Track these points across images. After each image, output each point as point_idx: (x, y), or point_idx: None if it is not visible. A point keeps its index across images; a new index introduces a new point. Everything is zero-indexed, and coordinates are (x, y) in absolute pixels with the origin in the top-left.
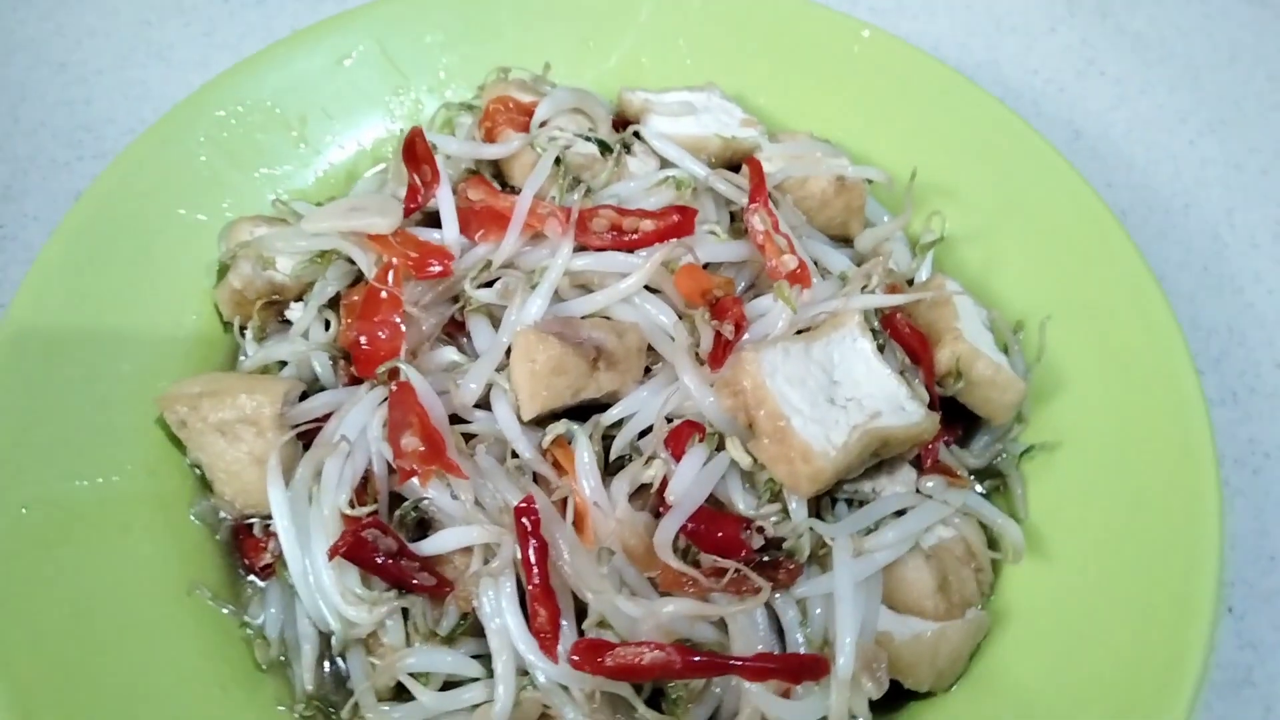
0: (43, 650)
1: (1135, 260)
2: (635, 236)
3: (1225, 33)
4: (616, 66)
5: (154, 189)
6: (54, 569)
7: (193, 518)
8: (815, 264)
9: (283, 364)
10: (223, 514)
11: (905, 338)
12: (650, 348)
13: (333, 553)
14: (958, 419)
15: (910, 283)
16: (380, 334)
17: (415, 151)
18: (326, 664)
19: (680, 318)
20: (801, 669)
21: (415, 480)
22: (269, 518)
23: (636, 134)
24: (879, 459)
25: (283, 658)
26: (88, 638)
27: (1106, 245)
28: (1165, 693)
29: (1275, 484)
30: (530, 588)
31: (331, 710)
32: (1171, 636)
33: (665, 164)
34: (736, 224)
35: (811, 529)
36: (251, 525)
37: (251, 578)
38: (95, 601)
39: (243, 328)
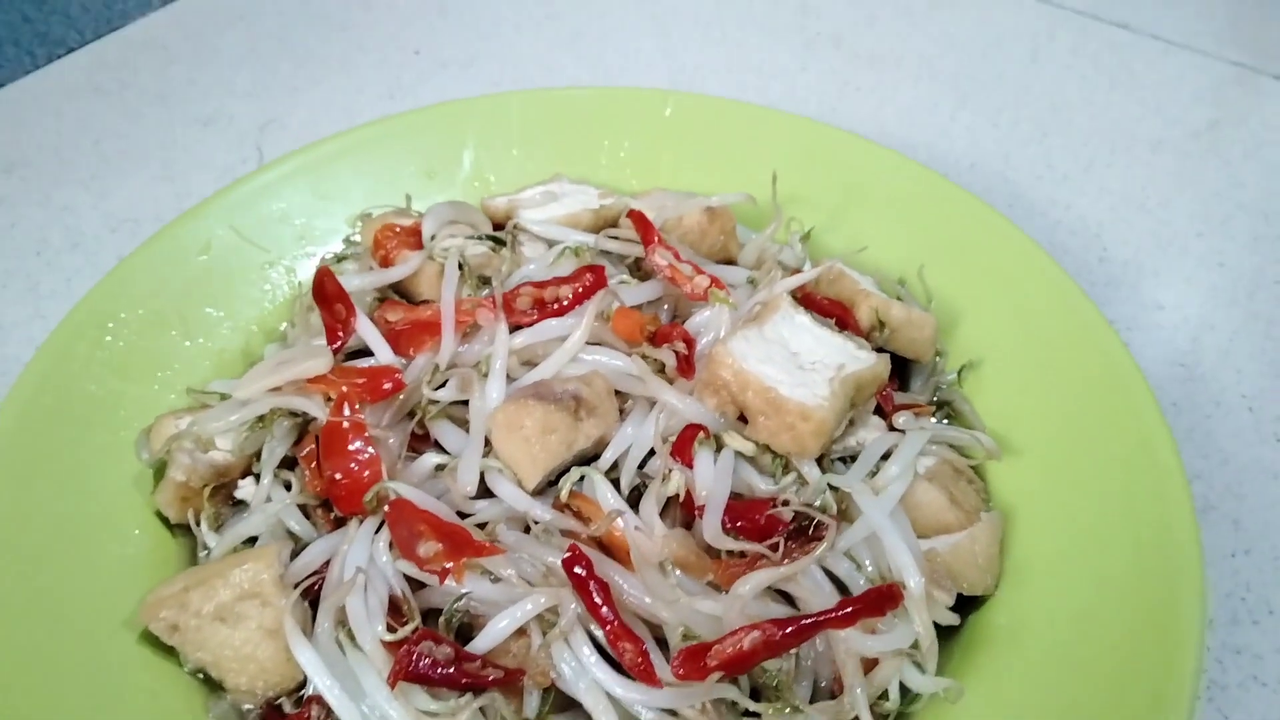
0: None
1: (970, 201)
2: (560, 305)
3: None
4: (464, 187)
5: (52, 423)
6: None
7: None
8: None
9: (252, 541)
10: (246, 706)
11: (826, 308)
12: (618, 392)
13: (394, 679)
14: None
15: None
16: (353, 465)
17: (325, 291)
18: None
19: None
20: (882, 599)
21: (449, 584)
22: (297, 690)
23: (517, 226)
24: (854, 409)
25: None
26: None
27: (945, 200)
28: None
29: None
30: (607, 630)
31: None
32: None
33: (552, 245)
34: (638, 273)
35: (830, 485)
36: (280, 705)
37: None
38: None
39: (196, 522)
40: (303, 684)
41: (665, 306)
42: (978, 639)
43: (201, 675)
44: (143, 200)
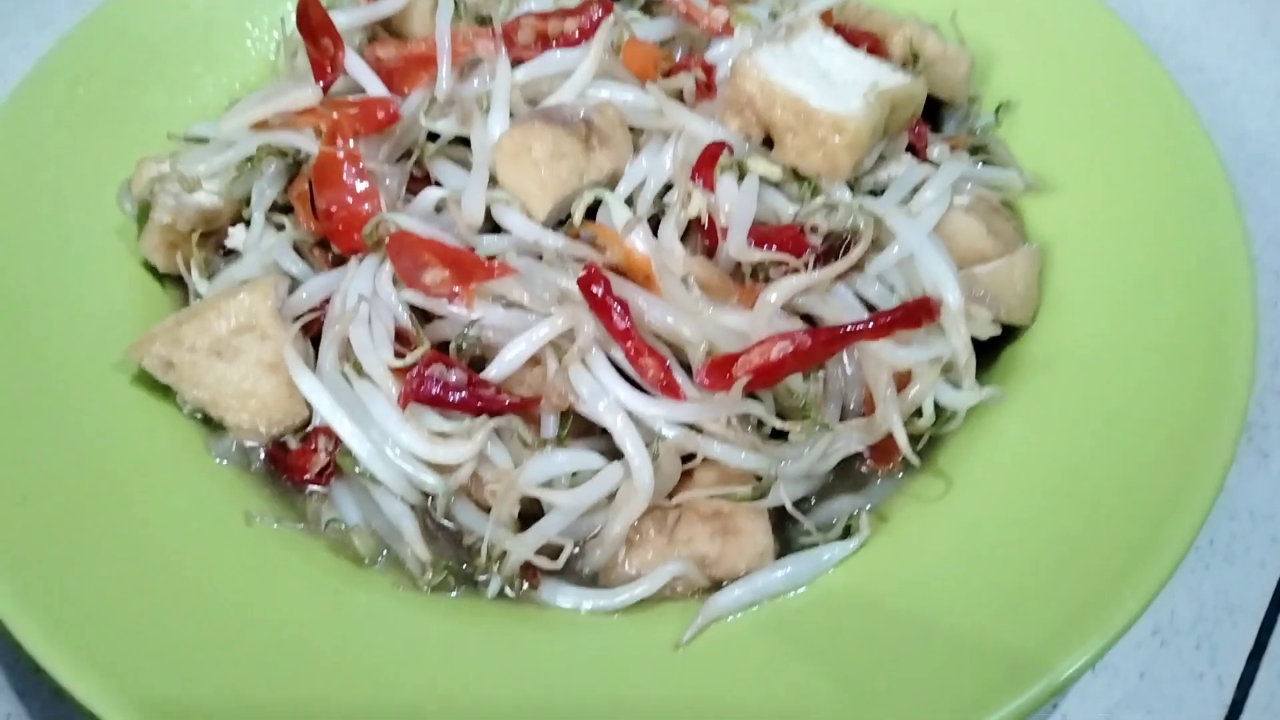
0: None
1: None
2: (565, 38)
3: None
4: None
5: (24, 172)
6: (94, 546)
7: (218, 460)
8: None
9: None
10: (250, 444)
11: (858, 38)
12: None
13: (405, 399)
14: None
15: None
16: (349, 198)
17: (310, 22)
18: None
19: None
20: (919, 311)
21: (458, 310)
22: (303, 427)
23: None
24: (886, 138)
25: (384, 553)
26: (174, 596)
27: None
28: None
29: None
30: (627, 348)
31: (464, 566)
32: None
33: None
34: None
35: (861, 209)
36: (285, 443)
37: (312, 489)
38: (159, 561)
39: (186, 269)
40: (308, 421)
41: (679, 49)
42: (1013, 367)
43: (200, 415)
44: None
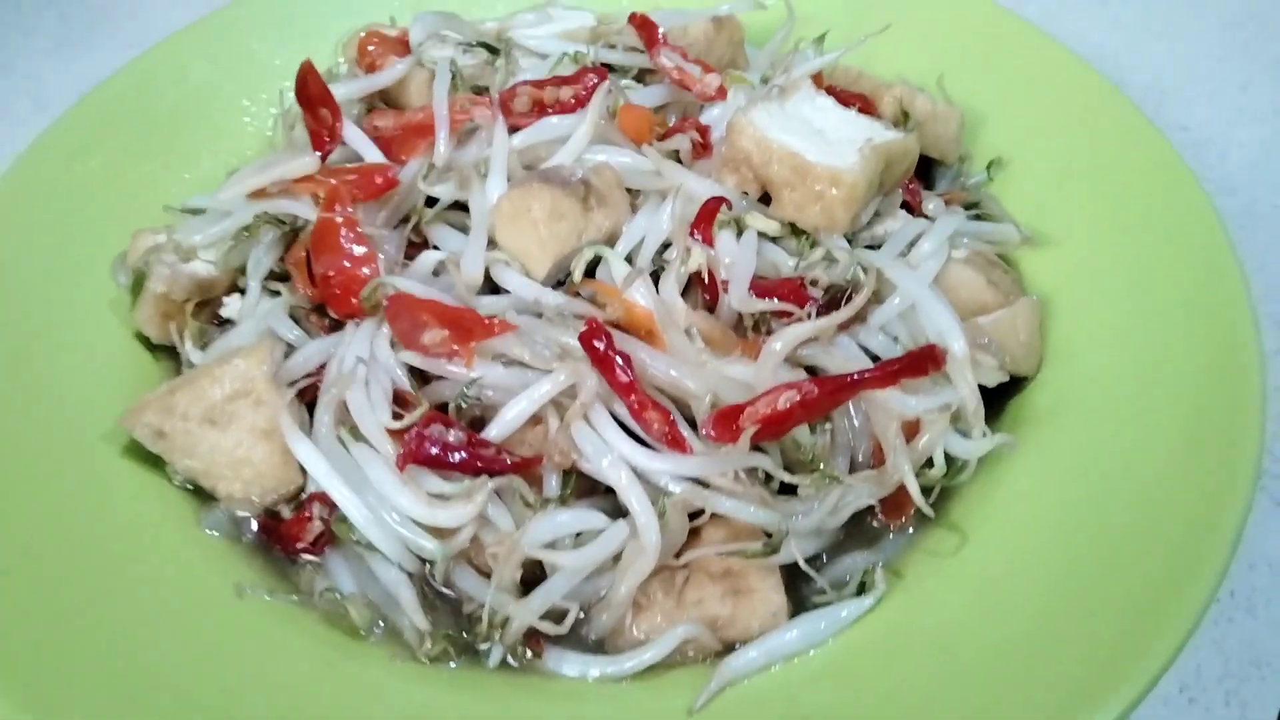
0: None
1: (991, 8)
2: (560, 105)
3: None
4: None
5: (19, 243)
6: (78, 621)
7: (209, 532)
8: None
9: None
10: (241, 514)
11: (849, 99)
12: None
13: (403, 461)
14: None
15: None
16: (347, 262)
17: (309, 92)
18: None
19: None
20: (924, 359)
21: (457, 369)
22: (296, 495)
23: (510, 39)
24: (881, 193)
25: (380, 623)
26: (161, 671)
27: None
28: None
29: None
30: (630, 402)
31: (464, 635)
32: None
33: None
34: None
35: (860, 265)
36: (279, 513)
37: (306, 559)
38: (145, 636)
39: (180, 340)
40: (301, 489)
41: (673, 115)
42: (1021, 419)
43: (191, 486)
44: (109, 68)
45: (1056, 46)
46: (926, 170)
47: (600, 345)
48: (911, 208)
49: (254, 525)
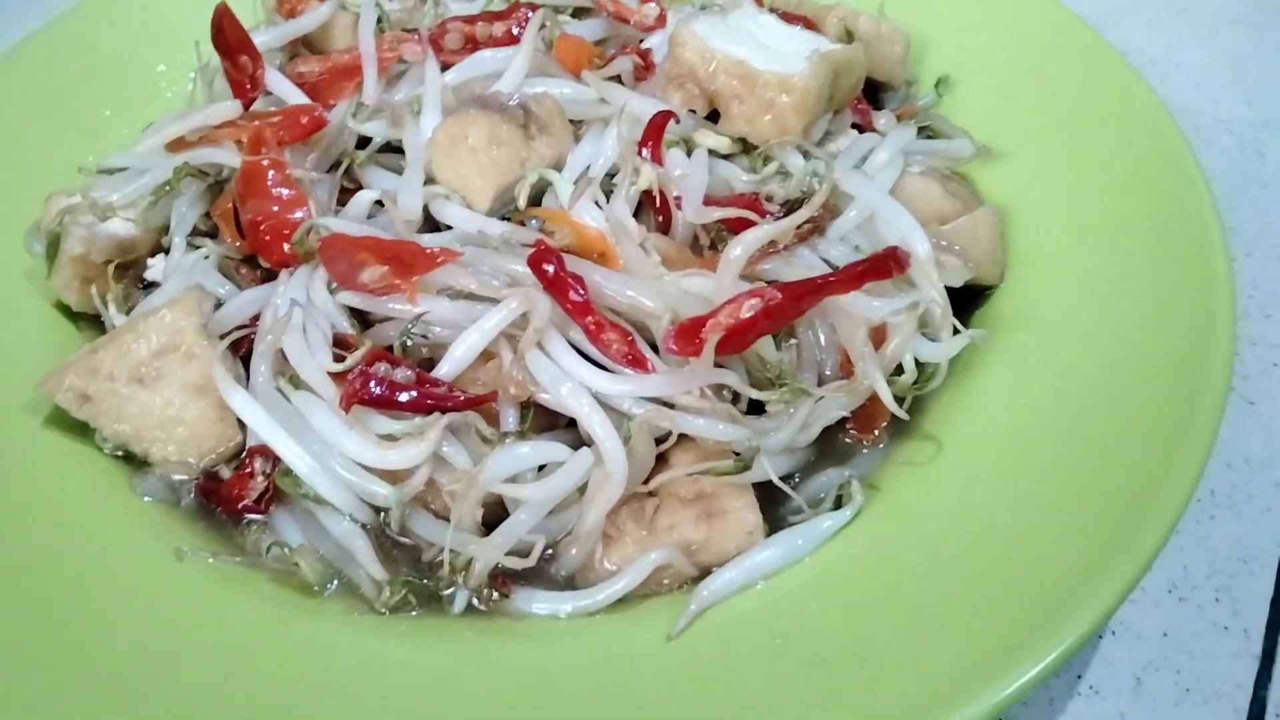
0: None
1: None
2: (493, 39)
3: None
4: None
5: None
6: (19, 593)
7: (145, 499)
8: None
9: None
10: (178, 478)
11: (792, 19)
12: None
13: (346, 402)
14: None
15: None
16: (276, 206)
17: (226, 38)
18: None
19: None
20: (888, 260)
21: (400, 307)
22: (235, 455)
23: None
24: (831, 108)
25: (335, 580)
26: (100, 636)
27: None
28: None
29: None
30: (587, 324)
31: (426, 581)
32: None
33: None
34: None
35: (816, 171)
36: (217, 473)
37: (250, 518)
38: (80, 605)
39: (102, 304)
40: (241, 447)
41: (612, 50)
42: (988, 326)
43: (122, 453)
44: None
45: None
46: (874, 95)
47: (551, 268)
48: (862, 128)
49: (192, 489)
